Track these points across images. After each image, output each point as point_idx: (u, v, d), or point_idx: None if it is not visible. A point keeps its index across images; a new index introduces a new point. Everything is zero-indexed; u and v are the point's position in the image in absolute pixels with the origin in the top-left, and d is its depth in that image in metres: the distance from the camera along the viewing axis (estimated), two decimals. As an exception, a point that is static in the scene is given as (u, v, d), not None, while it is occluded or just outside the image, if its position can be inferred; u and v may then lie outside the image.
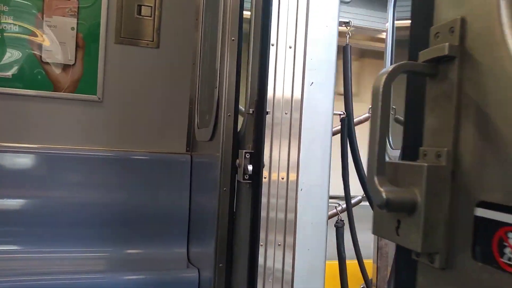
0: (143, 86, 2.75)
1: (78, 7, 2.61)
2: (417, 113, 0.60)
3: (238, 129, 1.98)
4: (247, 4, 1.99)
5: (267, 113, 1.59)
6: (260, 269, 1.62)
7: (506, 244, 0.48)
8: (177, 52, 2.79)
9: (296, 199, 1.64)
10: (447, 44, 0.54)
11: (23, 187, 2.56)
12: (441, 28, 0.58)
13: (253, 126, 1.71)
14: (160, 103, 2.79)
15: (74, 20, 2.60)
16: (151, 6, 2.70)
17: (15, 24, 2.53)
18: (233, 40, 1.96)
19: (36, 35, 2.57)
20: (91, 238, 2.59)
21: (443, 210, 0.55)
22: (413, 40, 0.64)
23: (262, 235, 1.62)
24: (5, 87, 2.53)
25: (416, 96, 0.61)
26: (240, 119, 1.99)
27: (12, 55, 2.55)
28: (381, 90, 0.55)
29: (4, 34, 2.52)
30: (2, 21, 2.51)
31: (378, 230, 0.62)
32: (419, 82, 0.61)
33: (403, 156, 0.65)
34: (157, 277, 2.38)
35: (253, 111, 1.72)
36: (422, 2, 0.62)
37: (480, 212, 0.51)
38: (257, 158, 1.63)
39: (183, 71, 2.80)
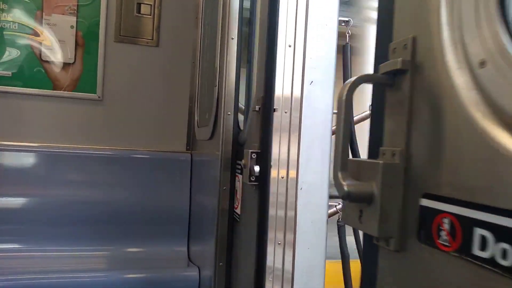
0: (143, 85, 2.90)
1: (78, 5, 2.76)
2: (379, 118, 0.74)
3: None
4: (246, 3, 2.12)
5: (274, 110, 1.61)
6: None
7: (442, 228, 0.61)
8: (176, 51, 2.93)
9: (296, 197, 1.71)
10: (400, 59, 0.68)
11: (23, 185, 2.71)
12: (397, 44, 0.71)
13: (259, 124, 1.70)
14: (160, 101, 2.94)
15: (74, 18, 2.75)
16: (151, 4, 2.85)
17: (14, 22, 2.68)
18: (232, 39, 2.08)
19: (35, 34, 2.72)
20: (91, 237, 2.74)
21: (396, 201, 0.68)
22: (376, 54, 0.78)
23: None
24: (5, 85, 2.68)
25: (378, 104, 0.75)
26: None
27: (11, 53, 2.70)
28: (344, 98, 0.68)
29: (4, 32, 2.67)
30: (1, 19, 2.66)
31: (345, 219, 0.76)
32: (381, 91, 0.74)
33: (369, 154, 0.79)
34: (157, 275, 2.52)
35: (259, 108, 1.71)
36: (384, 21, 0.76)
37: (424, 202, 0.65)
38: (263, 158, 1.66)
39: (183, 69, 2.95)
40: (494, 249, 0.54)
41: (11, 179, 2.69)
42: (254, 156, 1.68)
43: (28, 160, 2.75)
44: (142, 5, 2.84)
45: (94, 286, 2.40)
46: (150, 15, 2.86)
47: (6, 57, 2.69)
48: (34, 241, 2.66)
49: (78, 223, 2.73)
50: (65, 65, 2.76)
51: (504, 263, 0.52)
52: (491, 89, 0.55)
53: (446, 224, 0.61)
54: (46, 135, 2.75)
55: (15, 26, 2.68)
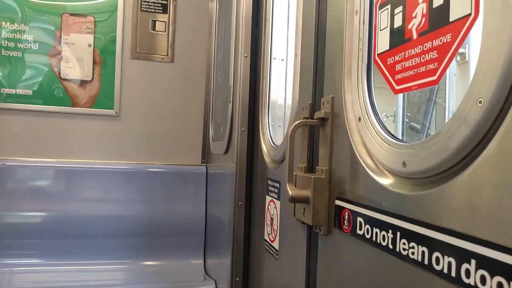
0: (159, 100, 3.60)
1: (95, 21, 3.46)
2: (316, 147, 1.36)
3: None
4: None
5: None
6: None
7: (345, 218, 1.22)
8: (191, 66, 3.63)
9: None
10: (323, 111, 1.29)
11: (43, 200, 3.39)
12: (324, 99, 1.33)
13: (308, 138, 1.51)
14: (176, 116, 3.63)
15: (91, 37, 3.47)
16: (165, 22, 3.55)
17: (35, 42, 3.41)
18: (245, 56, 2.57)
19: (55, 53, 3.44)
20: (109, 250, 3.40)
21: (323, 201, 1.29)
22: (315, 104, 1.40)
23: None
24: (26, 103, 3.40)
25: (316, 138, 1.37)
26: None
27: (32, 72, 3.43)
28: (289, 135, 1.30)
29: (25, 52, 3.40)
30: (23, 39, 3.39)
31: (296, 214, 1.38)
32: (317, 130, 1.36)
33: (311, 171, 1.41)
34: (174, 288, 3.14)
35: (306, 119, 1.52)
36: (319, 78, 1.38)
37: (338, 202, 1.26)
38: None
39: (197, 84, 3.64)
40: (364, 228, 1.14)
41: (32, 194, 3.38)
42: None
43: (47, 176, 3.43)
44: (157, 22, 3.54)
45: (112, 300, 3.01)
46: (165, 32, 3.56)
47: (27, 76, 3.42)
48: (51, 255, 3.32)
49: (95, 237, 3.40)
50: (83, 83, 3.48)
51: (367, 236, 1.13)
52: (363, 135, 1.16)
53: (346, 215, 1.22)
54: (66, 151, 3.46)
55: (35, 46, 3.41)
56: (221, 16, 3.31)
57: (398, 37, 1.05)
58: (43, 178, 3.44)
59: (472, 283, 0.77)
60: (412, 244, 0.95)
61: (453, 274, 0.82)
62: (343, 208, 1.23)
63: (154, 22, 3.55)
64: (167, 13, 3.57)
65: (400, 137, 1.13)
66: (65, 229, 3.38)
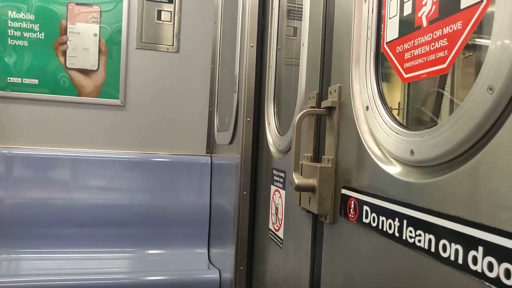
0: (164, 90, 3.61)
1: (100, 11, 3.46)
2: (323, 136, 1.36)
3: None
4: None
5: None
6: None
7: (350, 207, 1.22)
8: (196, 56, 3.63)
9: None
10: (330, 100, 1.29)
11: (49, 189, 3.41)
12: (331, 88, 1.32)
13: (314, 127, 1.51)
14: (181, 106, 3.64)
15: (97, 26, 3.47)
16: (171, 11, 3.54)
17: (40, 32, 3.41)
18: (252, 46, 2.55)
19: (60, 42, 3.44)
20: (113, 239, 3.42)
21: (329, 190, 1.29)
22: (321, 93, 1.40)
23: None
24: (32, 92, 3.41)
25: (323, 127, 1.37)
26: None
27: (38, 62, 3.43)
28: (296, 124, 1.30)
29: (31, 42, 3.40)
30: (28, 28, 3.39)
31: (302, 203, 1.39)
32: (324, 119, 1.36)
33: (317, 160, 1.41)
34: (178, 277, 3.12)
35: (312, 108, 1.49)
36: (325, 66, 1.37)
37: (344, 191, 1.26)
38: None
39: (203, 74, 3.64)
40: (370, 217, 1.14)
41: (37, 183, 3.40)
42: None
43: (53, 164, 3.45)
44: (162, 12, 3.54)
45: (115, 289, 2.99)
46: (170, 22, 3.55)
47: (33, 65, 3.42)
48: (56, 243, 3.34)
49: (100, 225, 3.42)
50: (89, 72, 3.49)
51: (373, 224, 1.13)
52: (370, 124, 1.16)
53: (352, 204, 1.22)
54: (71, 140, 3.48)
55: (41, 35, 3.41)
56: (227, 5, 3.30)
57: (408, 25, 1.05)
58: (48, 167, 3.45)
59: (479, 270, 0.77)
60: (419, 232, 0.95)
61: (460, 261, 0.82)
62: (349, 197, 1.23)
63: (159, 12, 3.55)
64: (172, 3, 3.56)
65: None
66: (70, 218, 3.40)
